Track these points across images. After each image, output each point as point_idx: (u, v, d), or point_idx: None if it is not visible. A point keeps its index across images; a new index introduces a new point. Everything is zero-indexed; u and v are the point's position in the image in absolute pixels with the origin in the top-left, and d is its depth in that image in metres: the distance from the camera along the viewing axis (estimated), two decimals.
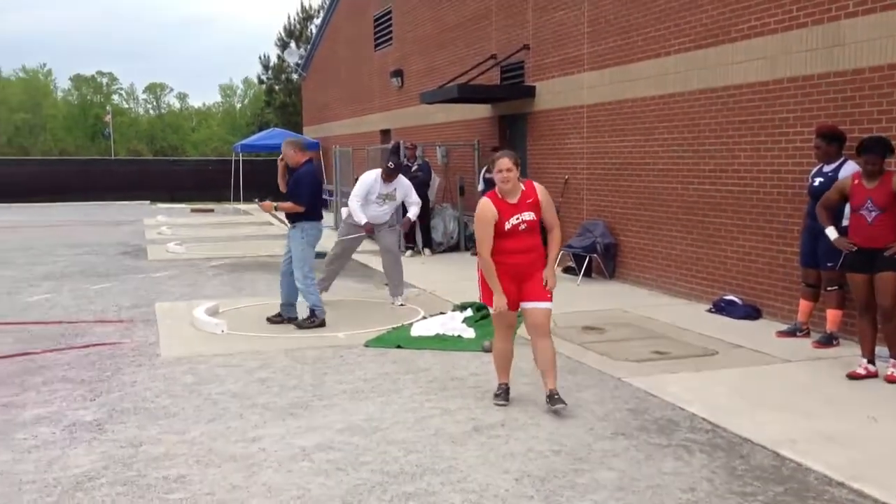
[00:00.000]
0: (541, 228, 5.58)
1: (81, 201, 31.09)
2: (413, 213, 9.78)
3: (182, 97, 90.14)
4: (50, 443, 4.98)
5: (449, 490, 4.23)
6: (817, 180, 7.25)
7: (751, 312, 8.52)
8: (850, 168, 6.94)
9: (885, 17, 7.08)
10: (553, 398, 5.41)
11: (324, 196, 25.59)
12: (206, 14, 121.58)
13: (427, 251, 14.42)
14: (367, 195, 9.34)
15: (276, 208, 8.36)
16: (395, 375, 6.48)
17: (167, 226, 20.45)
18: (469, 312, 8.27)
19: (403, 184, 9.59)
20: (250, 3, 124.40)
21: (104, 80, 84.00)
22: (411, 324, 8.18)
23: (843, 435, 4.99)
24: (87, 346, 7.54)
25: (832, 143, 7.22)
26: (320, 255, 9.56)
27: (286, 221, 8.44)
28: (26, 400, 5.87)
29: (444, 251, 14.77)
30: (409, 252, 14.16)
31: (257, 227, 20.49)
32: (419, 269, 12.47)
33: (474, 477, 4.40)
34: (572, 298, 9.52)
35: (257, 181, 27.73)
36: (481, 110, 15.23)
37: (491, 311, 5.60)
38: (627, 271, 10.99)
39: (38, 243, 16.88)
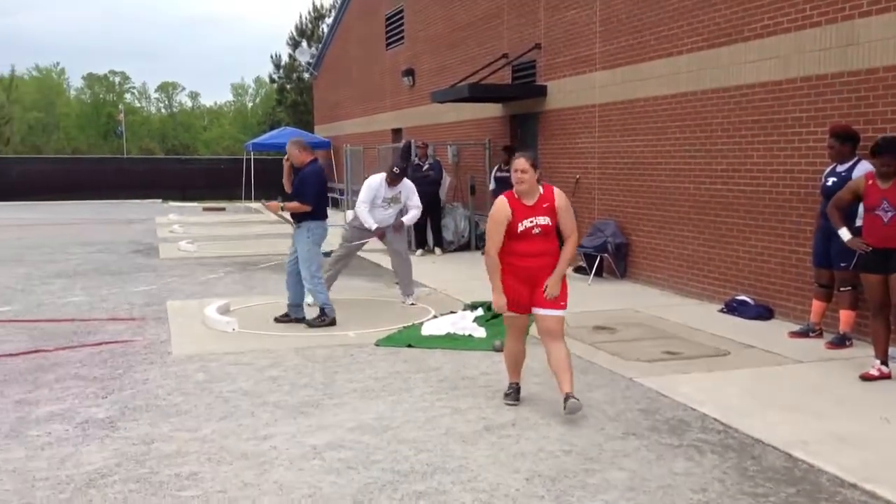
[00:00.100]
0: (559, 234, 5.51)
1: (94, 199, 31.26)
2: (411, 216, 9.60)
3: (194, 96, 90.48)
4: (63, 440, 5.00)
5: (459, 489, 4.23)
6: (830, 180, 7.22)
7: (763, 313, 8.48)
8: (863, 168, 6.90)
9: None
10: (568, 402, 5.24)
11: (333, 195, 25.52)
12: (217, 14, 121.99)
13: (438, 250, 14.43)
14: (373, 200, 9.35)
15: (282, 208, 8.38)
16: (405, 374, 6.48)
17: (179, 224, 20.52)
18: (480, 312, 8.27)
19: (407, 186, 9.57)
20: (262, 2, 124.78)
21: (117, 79, 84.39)
22: (422, 323, 8.19)
23: (856, 436, 4.96)
24: (100, 344, 7.58)
25: (846, 142, 7.19)
26: (326, 255, 9.57)
27: (292, 221, 8.46)
28: (39, 397, 5.90)
29: (455, 250, 14.77)
30: (419, 251, 14.17)
31: (269, 225, 20.53)
32: (430, 268, 12.48)
33: (485, 476, 4.40)
34: (583, 298, 9.50)
35: (269, 180, 27.76)
36: (492, 109, 15.22)
37: (504, 313, 5.58)
38: (639, 271, 10.96)
39: (50, 241, 16.97)
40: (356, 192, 10.32)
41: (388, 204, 9.43)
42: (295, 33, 40.86)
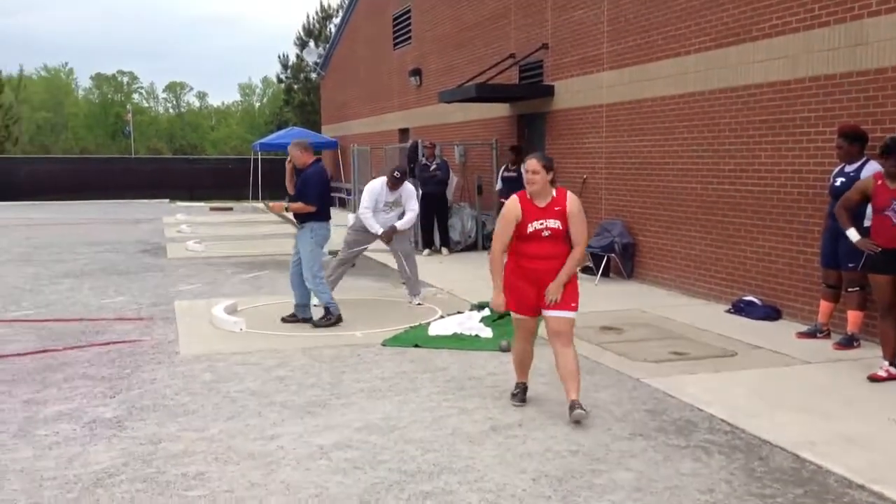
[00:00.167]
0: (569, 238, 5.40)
1: (102, 199, 31.37)
2: (405, 220, 9.42)
3: (202, 96, 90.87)
4: (70, 439, 5.02)
5: (466, 489, 4.23)
6: (839, 180, 7.19)
7: (770, 313, 8.46)
8: (871, 168, 6.87)
9: None
10: (574, 409, 5.21)
11: (340, 195, 25.53)
12: (225, 14, 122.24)
13: (445, 250, 14.43)
14: (375, 205, 9.35)
15: (286, 209, 8.38)
16: (412, 374, 6.49)
17: (186, 224, 20.56)
18: (486, 312, 8.26)
19: (407, 190, 9.54)
20: (270, 2, 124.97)
21: (125, 79, 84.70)
22: (429, 323, 8.19)
23: (864, 437, 4.95)
24: (108, 344, 7.60)
25: (854, 142, 7.16)
26: (333, 253, 9.57)
27: (295, 222, 8.48)
28: (47, 396, 5.92)
29: (462, 250, 14.77)
30: (427, 251, 14.17)
31: (276, 225, 20.55)
32: (437, 268, 12.48)
33: (491, 476, 4.40)
34: (590, 298, 9.46)
35: (276, 180, 27.50)
36: (500, 109, 15.21)
37: (511, 314, 5.56)
38: (646, 271, 10.95)
39: (59, 241, 17.03)
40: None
41: (390, 208, 9.44)
42: (302, 33, 40.98)
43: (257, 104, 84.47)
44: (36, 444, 4.95)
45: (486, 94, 14.00)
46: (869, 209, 6.44)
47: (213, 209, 27.52)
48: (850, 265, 7.03)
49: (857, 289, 7.09)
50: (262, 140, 30.40)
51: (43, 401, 5.82)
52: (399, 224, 9.41)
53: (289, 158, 8.54)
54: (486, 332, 7.73)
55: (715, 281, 9.57)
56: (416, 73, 19.62)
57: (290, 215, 8.44)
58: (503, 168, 14.02)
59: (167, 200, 32.02)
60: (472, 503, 4.07)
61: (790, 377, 6.34)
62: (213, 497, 4.17)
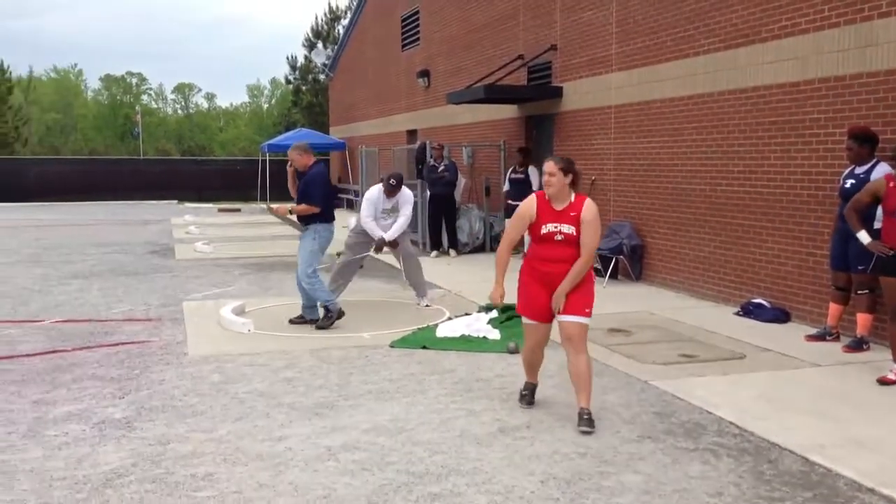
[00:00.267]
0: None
1: (110, 200, 31.46)
2: (393, 229, 9.24)
3: (210, 97, 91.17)
4: (80, 440, 5.04)
5: (474, 491, 4.22)
6: (849, 182, 7.16)
7: (779, 316, 8.43)
8: (881, 170, 6.84)
9: None
10: (582, 418, 5.16)
11: (348, 196, 25.54)
12: (233, 15, 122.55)
13: (453, 252, 14.42)
14: (374, 212, 9.35)
15: (290, 211, 8.39)
16: (420, 376, 6.49)
17: (195, 225, 20.61)
18: (494, 313, 8.26)
19: (405, 195, 9.51)
20: (278, 4, 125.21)
21: (134, 81, 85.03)
22: (437, 325, 8.19)
23: (873, 440, 4.93)
24: (116, 345, 7.62)
25: (864, 144, 7.13)
26: (339, 254, 9.55)
27: (298, 224, 8.48)
28: (57, 397, 5.94)
29: (470, 252, 14.76)
30: (434, 253, 14.17)
31: (284, 226, 20.58)
32: (445, 269, 12.48)
33: (499, 478, 4.39)
34: (598, 300, 9.34)
35: (284, 181, 27.64)
36: (508, 111, 15.21)
37: (522, 319, 5.53)
38: (654, 273, 10.93)
39: (68, 242, 17.09)
40: None
41: (388, 214, 9.46)
42: (311, 34, 41.05)
43: (265, 105, 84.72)
44: (45, 444, 4.96)
45: (494, 95, 13.99)
46: (879, 211, 6.42)
47: (221, 210, 27.59)
48: (861, 267, 7.00)
49: (867, 291, 7.06)
50: (271, 141, 30.43)
51: (52, 401, 5.84)
52: (387, 234, 9.28)
53: (290, 162, 8.56)
54: (494, 334, 7.72)
55: (724, 283, 9.54)
56: (425, 74, 19.63)
57: (294, 218, 8.46)
58: (511, 170, 14.00)
59: (175, 201, 32.10)
60: None
61: (799, 380, 6.32)
62: (222, 498, 4.18)
